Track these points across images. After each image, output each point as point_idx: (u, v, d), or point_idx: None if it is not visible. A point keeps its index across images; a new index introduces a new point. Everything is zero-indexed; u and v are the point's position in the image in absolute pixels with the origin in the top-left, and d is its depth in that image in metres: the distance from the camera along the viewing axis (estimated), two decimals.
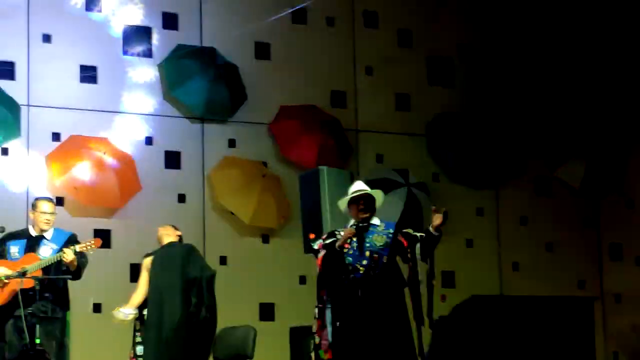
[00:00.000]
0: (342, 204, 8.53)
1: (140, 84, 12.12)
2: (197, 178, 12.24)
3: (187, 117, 12.33)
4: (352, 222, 8.42)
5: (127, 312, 9.37)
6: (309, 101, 12.82)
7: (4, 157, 11.37)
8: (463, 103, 13.67)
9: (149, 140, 12.13)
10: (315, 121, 12.69)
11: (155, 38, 12.29)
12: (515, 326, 2.46)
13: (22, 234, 9.25)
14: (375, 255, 8.26)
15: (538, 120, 13.97)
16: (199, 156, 12.31)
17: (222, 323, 10.31)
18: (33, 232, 9.21)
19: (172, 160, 12.19)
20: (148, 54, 12.25)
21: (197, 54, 12.33)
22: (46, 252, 9.07)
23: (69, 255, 8.85)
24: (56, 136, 11.65)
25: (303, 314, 11.46)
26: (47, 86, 11.68)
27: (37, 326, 8.70)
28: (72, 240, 9.20)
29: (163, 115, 12.19)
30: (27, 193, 11.22)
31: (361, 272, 8.20)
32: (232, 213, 12.22)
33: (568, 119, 14.05)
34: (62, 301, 9.12)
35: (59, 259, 8.89)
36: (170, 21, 12.40)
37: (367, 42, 13.37)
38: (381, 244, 8.32)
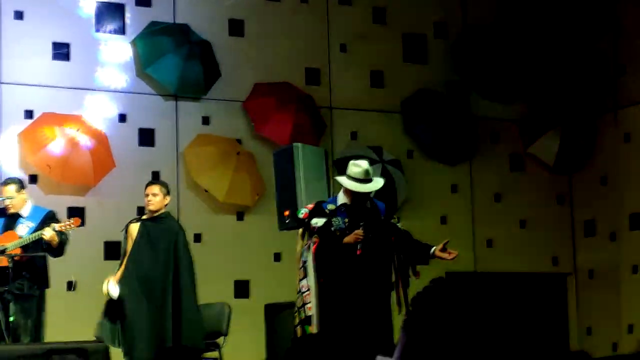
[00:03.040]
0: (347, 184, 8.44)
1: (113, 61, 12.07)
2: (171, 155, 12.21)
3: (160, 95, 12.29)
4: (341, 199, 8.37)
5: (114, 291, 9.26)
6: (283, 78, 12.80)
7: None
8: (437, 80, 13.69)
9: (122, 118, 12.09)
10: (289, 98, 12.67)
11: (128, 15, 12.22)
12: (489, 302, 2.51)
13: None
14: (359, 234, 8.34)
15: (511, 95, 14.00)
16: (172, 133, 12.28)
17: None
18: (7, 211, 9.18)
19: (146, 137, 12.16)
20: (121, 31, 12.19)
21: (171, 31, 12.28)
22: (23, 230, 9.06)
23: (48, 233, 8.84)
24: (29, 114, 11.59)
25: (277, 291, 11.50)
26: (19, 63, 11.60)
27: (12, 304, 8.68)
28: (50, 217, 9.19)
29: (136, 93, 12.15)
30: (0, 171, 11.16)
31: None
32: (207, 190, 12.21)
33: (541, 95, 14.09)
34: (40, 279, 9.10)
35: (38, 237, 8.87)
36: None
37: (341, 19, 13.35)
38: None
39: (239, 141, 12.50)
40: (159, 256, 9.25)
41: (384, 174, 12.85)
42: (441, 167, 13.64)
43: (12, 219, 9.19)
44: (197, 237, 12.10)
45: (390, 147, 13.23)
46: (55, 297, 10.13)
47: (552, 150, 13.95)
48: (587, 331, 13.74)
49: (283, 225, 9.85)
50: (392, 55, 13.58)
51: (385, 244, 8.41)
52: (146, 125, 12.18)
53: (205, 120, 12.46)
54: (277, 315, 10.16)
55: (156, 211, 9.44)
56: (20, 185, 9.43)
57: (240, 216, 12.47)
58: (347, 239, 8.29)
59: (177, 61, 12.18)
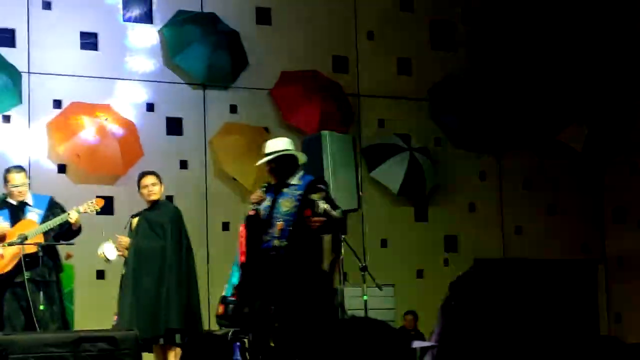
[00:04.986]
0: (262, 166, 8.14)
1: (141, 50, 12.09)
2: (199, 144, 12.23)
3: (188, 84, 12.30)
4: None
5: (110, 254, 9.14)
6: (310, 66, 12.79)
7: (5, 124, 11.35)
8: (465, 67, 13.64)
9: (150, 107, 12.11)
10: (316, 86, 12.66)
11: (155, 3, 12.24)
12: (518, 289, 2.50)
13: (1, 205, 9.17)
14: (279, 223, 7.82)
15: (541, 83, 13.93)
16: (200, 122, 12.30)
17: (222, 286, 10.35)
18: (13, 201, 9.14)
19: (174, 126, 12.18)
20: (148, 20, 12.21)
21: (198, 20, 12.29)
22: (33, 217, 9.03)
23: (74, 215, 8.85)
24: (57, 103, 11.63)
25: None
26: (48, 53, 11.64)
27: (41, 293, 8.71)
28: (54, 203, 9.16)
29: (164, 82, 12.17)
30: (29, 160, 11.21)
31: (269, 242, 7.81)
32: (234, 179, 12.21)
33: (571, 82, 14.01)
34: (57, 265, 9.11)
35: (63, 220, 8.87)
36: None
37: (368, 6, 13.32)
38: (287, 209, 7.87)
39: (266, 130, 12.49)
40: (159, 238, 9.17)
41: (412, 162, 12.85)
42: (469, 155, 13.59)
43: (19, 208, 9.14)
44: (225, 226, 12.13)
45: (418, 135, 13.20)
46: (84, 286, 10.20)
47: (581, 137, 13.88)
48: (617, 318, 13.69)
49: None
50: (420, 42, 13.54)
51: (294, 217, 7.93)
52: (174, 114, 12.20)
53: (233, 109, 12.46)
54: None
55: (155, 201, 9.35)
56: (26, 174, 9.39)
57: None
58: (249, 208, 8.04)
59: (205, 50, 12.19)
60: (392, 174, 12.84)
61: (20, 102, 11.35)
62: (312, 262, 7.86)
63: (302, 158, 8.13)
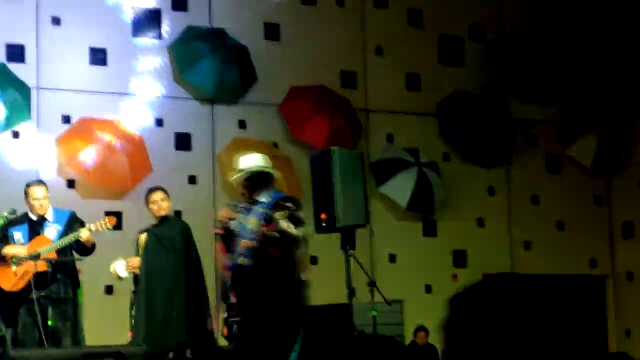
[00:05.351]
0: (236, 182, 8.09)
1: (150, 66, 12.12)
2: (208, 159, 12.24)
3: (197, 99, 12.33)
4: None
5: (122, 271, 9.19)
6: (318, 82, 12.81)
7: (14, 139, 11.38)
8: (473, 82, 13.64)
9: (159, 122, 12.13)
10: (325, 101, 12.68)
11: (164, 20, 12.27)
12: (527, 304, 2.49)
13: (22, 219, 9.21)
14: (243, 241, 7.78)
15: (547, 97, 13.94)
16: (209, 137, 12.31)
17: None
18: (33, 216, 9.18)
19: (183, 141, 12.20)
20: (158, 36, 12.25)
21: (207, 36, 12.32)
22: (51, 233, 9.06)
23: (84, 234, 8.87)
24: (66, 119, 11.66)
25: (315, 294, 11.48)
26: (57, 68, 11.68)
27: (50, 308, 8.73)
28: (74, 218, 9.20)
29: (173, 97, 12.19)
30: (38, 175, 11.22)
31: (235, 260, 7.77)
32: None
33: (579, 96, 14.01)
34: (73, 281, 9.13)
35: (75, 238, 8.89)
36: (179, 3, 12.38)
37: (377, 21, 13.34)
38: (252, 226, 7.80)
39: (275, 145, 12.50)
40: (168, 253, 9.19)
41: (420, 177, 12.85)
42: (478, 170, 13.58)
43: (38, 224, 9.18)
44: None
45: (426, 150, 13.20)
46: (92, 301, 10.19)
47: (589, 152, 13.88)
48: (626, 333, 13.65)
49: (320, 229, 9.83)
50: (428, 57, 13.55)
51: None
52: (183, 129, 12.22)
53: (242, 124, 12.48)
54: (315, 318, 10.12)
55: (163, 216, 9.37)
56: (46, 188, 9.44)
57: None
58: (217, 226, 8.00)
59: (214, 66, 12.22)
60: (400, 189, 12.84)
61: (29, 118, 11.37)
62: (278, 279, 7.78)
63: (275, 175, 8.09)
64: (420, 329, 11.99)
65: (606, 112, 13.97)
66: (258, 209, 7.82)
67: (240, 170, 7.96)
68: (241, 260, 7.70)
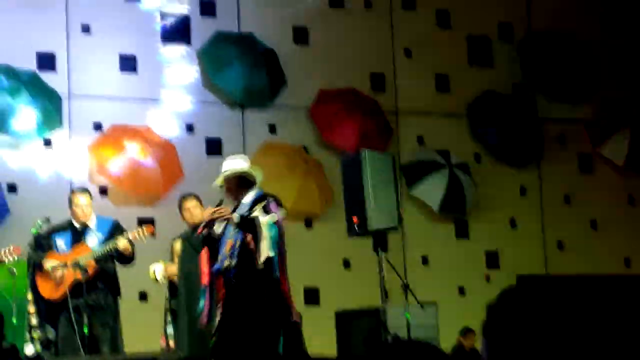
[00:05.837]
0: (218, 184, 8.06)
1: (179, 72, 12.15)
2: None
3: (227, 104, 12.34)
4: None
5: (160, 276, 9.25)
6: (348, 84, 12.79)
7: (47, 148, 11.43)
8: (503, 82, 13.59)
9: (189, 128, 12.16)
10: (355, 104, 12.66)
11: (193, 25, 12.29)
12: (564, 307, 2.46)
13: (66, 227, 9.31)
14: (229, 241, 7.68)
15: (578, 96, 13.87)
16: (239, 142, 12.32)
17: None
18: (77, 224, 9.27)
19: (214, 147, 12.22)
20: (187, 41, 12.27)
21: (236, 40, 12.34)
22: (93, 241, 9.13)
23: (121, 243, 8.91)
24: (97, 126, 11.71)
25: (348, 297, 11.50)
26: (88, 76, 11.73)
27: (90, 316, 8.78)
28: (116, 227, 9.26)
29: (203, 102, 12.21)
30: (71, 183, 11.28)
31: (221, 263, 7.68)
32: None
33: (610, 94, 13.93)
34: (113, 289, 9.19)
35: (113, 247, 8.94)
36: (208, 8, 12.40)
37: (405, 23, 13.32)
38: (235, 229, 7.69)
39: (305, 148, 12.51)
40: None
41: (451, 178, 12.81)
42: (509, 170, 13.53)
43: (80, 231, 9.26)
44: None
45: (457, 151, 13.16)
46: (127, 307, 10.21)
47: (622, 151, 13.79)
48: None
49: (352, 232, 9.83)
50: (457, 58, 13.51)
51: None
52: (213, 134, 12.24)
53: (272, 128, 12.49)
54: (348, 323, 10.12)
55: (196, 224, 9.39)
56: (90, 196, 9.53)
57: (308, 223, 12.47)
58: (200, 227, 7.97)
59: (243, 70, 12.23)
60: (432, 191, 12.81)
61: (61, 125, 11.43)
62: (264, 280, 7.69)
63: (258, 177, 8.08)
64: (469, 330, 11.73)
65: (638, 110, 13.87)
66: (241, 210, 7.78)
67: (224, 174, 7.94)
68: (227, 262, 7.65)
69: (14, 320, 8.84)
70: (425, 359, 2.97)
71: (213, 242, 7.80)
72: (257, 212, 7.65)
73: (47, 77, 11.46)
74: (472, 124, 13.43)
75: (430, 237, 12.94)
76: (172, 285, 9.29)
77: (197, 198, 9.44)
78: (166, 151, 11.70)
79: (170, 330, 9.34)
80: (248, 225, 7.60)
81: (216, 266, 7.70)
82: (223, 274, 7.67)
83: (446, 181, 12.79)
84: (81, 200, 9.27)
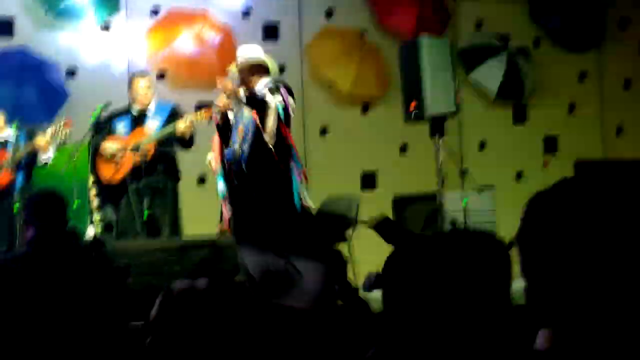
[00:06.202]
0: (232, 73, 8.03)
1: None
2: (296, 49, 12.21)
3: None
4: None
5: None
6: None
7: (105, 32, 11.45)
8: None
9: (246, 13, 12.10)
10: None
11: None
12: (623, 192, 2.38)
13: (125, 111, 9.42)
14: (240, 127, 7.77)
15: None
16: (296, 27, 12.26)
17: (324, 193, 10.42)
18: (136, 108, 9.36)
19: (270, 32, 12.16)
20: None
21: None
22: (152, 126, 9.22)
23: (181, 125, 8.99)
24: (155, 11, 11.68)
25: (405, 182, 11.55)
26: None
27: (150, 199, 8.91)
28: (175, 111, 9.33)
29: None
30: (129, 68, 11.32)
31: (231, 149, 7.76)
32: (331, 83, 12.20)
33: None
34: (172, 172, 9.29)
35: (172, 130, 9.02)
36: None
37: None
38: (248, 114, 7.75)
39: (363, 33, 12.42)
40: None
41: (510, 63, 12.68)
42: (569, 55, 13.35)
43: (140, 116, 9.35)
44: (323, 130, 12.16)
45: (516, 35, 13.00)
46: (186, 191, 10.34)
47: None
48: None
49: (409, 117, 9.83)
50: None
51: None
52: (270, 19, 12.17)
53: (329, 13, 12.39)
54: (406, 207, 10.19)
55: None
56: (151, 79, 9.60)
57: (365, 108, 12.45)
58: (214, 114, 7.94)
59: None
60: (490, 75, 12.69)
61: (118, 10, 11.42)
62: (275, 165, 7.71)
63: (272, 66, 8.04)
64: None
65: None
66: (253, 97, 7.77)
67: (238, 62, 7.91)
68: (237, 147, 7.68)
69: (76, 203, 8.98)
70: (483, 249, 2.94)
71: (226, 129, 7.83)
72: (266, 92, 7.64)
73: None
74: (532, 8, 13.22)
75: (487, 122, 12.87)
76: None
77: None
78: (223, 36, 11.68)
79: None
80: (255, 102, 7.61)
81: (228, 153, 7.74)
82: (234, 160, 7.69)
83: (504, 66, 12.66)
84: (141, 83, 9.36)
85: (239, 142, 7.69)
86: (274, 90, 7.70)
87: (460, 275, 2.71)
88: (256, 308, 2.82)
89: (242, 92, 7.72)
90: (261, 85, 7.84)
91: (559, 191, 2.43)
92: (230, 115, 7.91)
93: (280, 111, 7.69)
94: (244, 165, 7.66)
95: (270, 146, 7.61)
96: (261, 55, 8.05)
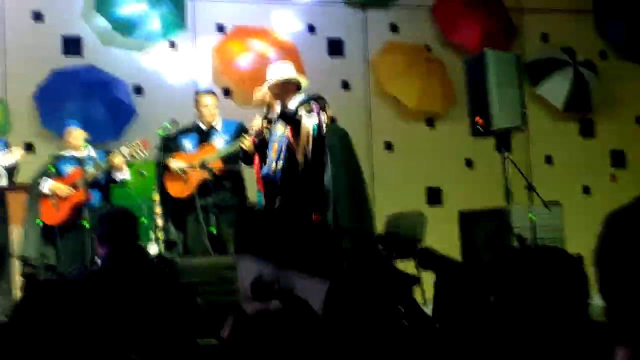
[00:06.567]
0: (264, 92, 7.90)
1: None
2: (361, 64, 12.23)
3: (348, 3, 12.27)
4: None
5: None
6: None
7: (171, 50, 11.56)
8: None
9: (311, 29, 12.14)
10: (478, 2, 12.46)
11: None
12: None
13: (192, 128, 9.49)
14: (274, 145, 7.68)
15: None
16: (361, 42, 12.28)
17: (389, 208, 10.41)
18: (203, 125, 9.42)
19: (335, 47, 12.20)
20: None
21: None
22: (219, 142, 9.28)
23: (247, 142, 9.03)
24: (220, 27, 11.77)
25: (470, 197, 11.48)
26: None
27: (217, 216, 8.95)
28: (242, 128, 9.37)
29: (325, 2, 12.16)
30: (196, 85, 11.41)
31: (267, 167, 7.68)
32: (396, 98, 12.19)
33: None
34: (239, 189, 9.34)
35: (237, 147, 9.07)
36: None
37: None
38: (281, 132, 7.67)
39: (427, 47, 12.40)
40: (331, 159, 9.26)
41: (576, 76, 12.58)
42: (636, 67, 13.21)
43: (206, 133, 9.41)
44: (388, 145, 12.16)
45: (582, 48, 12.89)
46: None
47: None
48: None
49: (476, 132, 9.78)
50: None
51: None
52: (334, 35, 12.21)
53: (394, 28, 12.39)
54: (472, 223, 10.11)
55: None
56: (216, 97, 9.67)
57: (430, 123, 12.43)
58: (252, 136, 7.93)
59: None
60: (556, 89, 12.61)
61: (185, 27, 11.52)
62: (308, 183, 7.61)
63: (303, 83, 8.01)
64: None
65: None
66: (286, 114, 7.76)
67: (268, 81, 7.89)
68: (273, 165, 7.68)
69: (144, 221, 9.06)
70: (555, 265, 2.91)
71: (263, 148, 7.85)
72: (301, 113, 7.61)
73: None
74: (598, 20, 13.11)
75: (554, 136, 12.78)
76: None
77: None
78: (288, 52, 11.72)
79: None
80: (290, 120, 7.59)
81: (264, 170, 7.75)
82: (269, 177, 7.69)
83: (571, 79, 12.57)
84: (207, 101, 9.43)
85: (274, 159, 7.70)
86: (308, 109, 7.66)
87: (538, 293, 2.69)
88: (326, 330, 2.82)
89: (277, 108, 7.74)
90: (295, 103, 7.83)
91: (636, 209, 2.39)
92: (267, 133, 7.93)
93: (315, 132, 7.66)
94: (278, 183, 7.66)
95: (301, 165, 7.60)
96: (292, 73, 8.05)
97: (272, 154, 7.75)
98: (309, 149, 7.58)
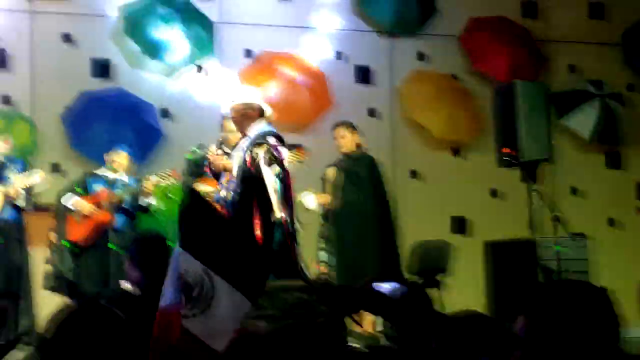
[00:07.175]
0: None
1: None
2: (387, 92, 12.24)
3: (376, 31, 12.30)
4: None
5: (311, 203, 9.33)
6: (499, 12, 12.58)
7: (199, 74, 11.60)
8: None
9: (338, 55, 12.17)
10: (506, 33, 12.47)
11: None
12: None
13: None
14: (227, 176, 7.68)
15: None
16: (388, 70, 12.29)
17: (413, 236, 10.39)
18: (229, 150, 9.43)
19: (362, 74, 12.22)
20: None
21: None
22: None
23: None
24: (248, 53, 11.81)
25: (495, 227, 11.46)
26: (239, 3, 11.82)
27: None
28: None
29: (353, 30, 12.19)
30: (222, 109, 11.42)
31: (218, 193, 7.68)
32: (423, 127, 12.19)
33: None
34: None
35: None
36: None
37: None
38: (237, 161, 7.67)
39: (454, 77, 12.41)
40: (356, 188, 9.29)
41: (604, 108, 12.55)
42: None
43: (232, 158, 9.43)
44: (413, 174, 12.15)
45: (610, 81, 12.86)
46: None
47: None
48: None
49: (503, 163, 9.77)
50: None
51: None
52: (362, 62, 12.23)
53: (421, 57, 12.41)
54: (499, 253, 10.08)
55: (349, 152, 9.49)
56: None
57: (456, 152, 12.41)
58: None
59: None
60: (583, 121, 12.57)
61: (213, 52, 11.56)
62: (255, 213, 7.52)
63: (266, 110, 7.95)
64: None
65: None
66: (243, 143, 7.66)
67: (232, 106, 7.87)
68: (223, 193, 7.63)
69: (170, 244, 9.05)
70: (582, 300, 2.92)
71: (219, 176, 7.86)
72: (261, 160, 7.49)
73: (199, 3, 11.58)
74: (627, 53, 13.08)
75: (580, 167, 12.74)
76: (327, 213, 9.39)
77: (347, 126, 9.52)
78: (316, 79, 11.75)
79: (323, 256, 9.43)
80: (251, 182, 7.49)
81: (215, 196, 7.71)
82: (220, 203, 7.63)
83: (598, 111, 12.54)
84: (233, 126, 9.44)
85: (225, 188, 7.67)
86: (268, 158, 7.53)
87: (566, 328, 2.70)
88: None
89: (235, 171, 7.66)
90: (253, 133, 7.68)
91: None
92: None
93: (279, 185, 7.56)
94: (231, 210, 7.57)
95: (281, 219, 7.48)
96: (255, 99, 8.01)
97: (224, 181, 7.69)
98: (274, 199, 7.48)
